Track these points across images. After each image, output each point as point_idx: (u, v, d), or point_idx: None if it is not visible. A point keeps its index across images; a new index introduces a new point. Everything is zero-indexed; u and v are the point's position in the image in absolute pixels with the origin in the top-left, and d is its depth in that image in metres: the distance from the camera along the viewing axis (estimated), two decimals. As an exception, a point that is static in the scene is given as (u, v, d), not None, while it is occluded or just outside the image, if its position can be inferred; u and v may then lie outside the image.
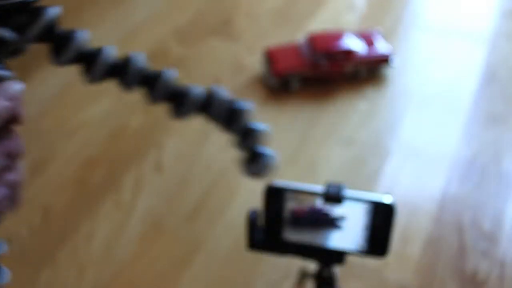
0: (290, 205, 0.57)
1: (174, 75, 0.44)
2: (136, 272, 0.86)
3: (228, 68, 1.24)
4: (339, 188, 0.56)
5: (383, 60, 1.19)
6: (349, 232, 0.57)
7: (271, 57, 1.18)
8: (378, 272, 0.85)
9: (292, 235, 0.59)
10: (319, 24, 1.37)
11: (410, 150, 1.05)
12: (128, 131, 1.09)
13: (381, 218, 0.56)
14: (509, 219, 0.93)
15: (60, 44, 0.41)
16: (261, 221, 0.61)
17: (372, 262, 0.85)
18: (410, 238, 0.90)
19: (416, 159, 1.03)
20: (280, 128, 1.10)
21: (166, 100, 0.46)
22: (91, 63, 0.41)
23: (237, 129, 0.46)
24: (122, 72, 0.42)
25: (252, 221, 0.63)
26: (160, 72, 0.43)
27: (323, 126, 1.10)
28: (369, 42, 1.21)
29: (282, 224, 0.59)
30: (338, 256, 0.61)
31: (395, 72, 1.22)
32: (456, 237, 0.90)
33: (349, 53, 1.17)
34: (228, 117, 0.45)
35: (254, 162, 0.48)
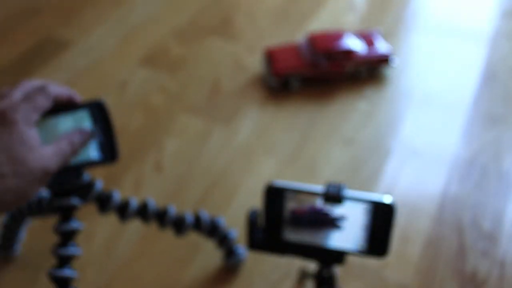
0: (290, 205, 0.57)
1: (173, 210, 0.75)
2: (136, 272, 0.86)
3: (228, 68, 1.24)
4: (339, 188, 0.56)
5: (383, 60, 1.19)
6: (349, 232, 0.57)
7: (271, 57, 1.18)
8: (378, 272, 0.85)
9: (292, 235, 0.59)
10: (319, 24, 1.37)
11: (410, 150, 1.05)
12: (128, 131, 1.09)
13: (381, 218, 0.56)
14: (509, 219, 0.93)
15: (104, 202, 0.69)
16: (261, 221, 0.61)
17: (372, 262, 0.85)
18: (410, 238, 0.90)
19: (416, 159, 1.03)
20: (280, 128, 1.10)
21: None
22: (123, 211, 0.71)
23: (218, 237, 0.81)
24: (143, 212, 0.73)
25: (252, 221, 0.63)
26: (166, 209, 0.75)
27: (323, 126, 1.11)
28: (369, 42, 1.21)
29: (282, 224, 0.59)
30: (338, 256, 0.61)
31: (395, 72, 1.22)
32: (456, 237, 0.90)
33: (349, 53, 1.17)
34: (211, 230, 0.79)
35: (230, 257, 0.84)
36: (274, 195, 0.57)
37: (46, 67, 1.23)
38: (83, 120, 0.56)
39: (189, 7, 1.43)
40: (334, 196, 0.55)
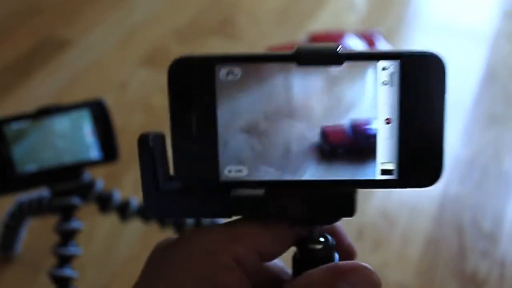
0: None
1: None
2: (136, 272, 0.86)
3: (228, 68, 1.24)
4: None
5: (383, 60, 1.19)
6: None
7: (271, 57, 1.18)
8: (378, 272, 0.85)
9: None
10: (320, 24, 1.37)
11: (410, 150, 1.05)
12: (128, 131, 1.08)
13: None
14: (509, 219, 0.93)
15: (104, 202, 0.68)
16: None
17: (372, 262, 0.85)
18: (410, 238, 0.90)
19: (416, 159, 1.03)
20: (280, 128, 1.10)
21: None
22: (123, 211, 0.71)
23: None
24: (143, 212, 0.71)
25: None
26: None
27: (323, 126, 1.10)
28: (370, 42, 1.21)
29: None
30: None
31: (395, 72, 1.22)
32: (456, 237, 0.90)
33: (349, 53, 1.17)
34: None
35: None
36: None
37: (46, 67, 1.23)
38: (82, 120, 0.56)
39: (189, 7, 1.43)
40: None
